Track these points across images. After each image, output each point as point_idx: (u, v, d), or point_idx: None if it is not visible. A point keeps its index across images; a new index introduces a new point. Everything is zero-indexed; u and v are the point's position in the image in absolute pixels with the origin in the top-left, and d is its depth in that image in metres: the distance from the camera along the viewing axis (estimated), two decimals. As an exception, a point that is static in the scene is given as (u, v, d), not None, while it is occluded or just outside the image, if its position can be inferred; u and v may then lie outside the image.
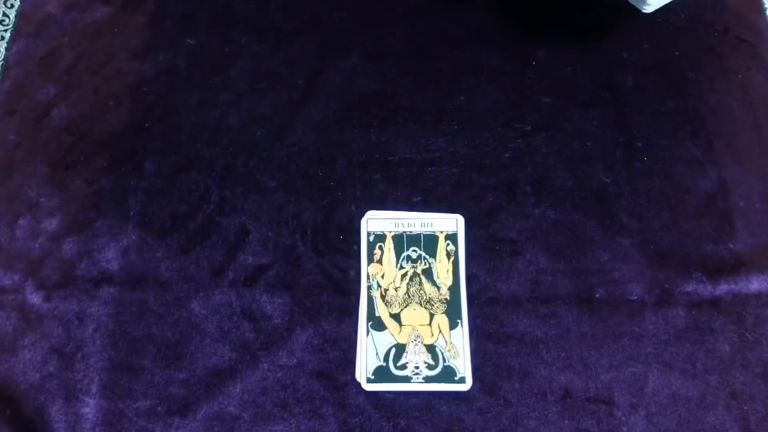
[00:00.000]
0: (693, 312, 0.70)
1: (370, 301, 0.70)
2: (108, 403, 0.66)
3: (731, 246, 0.73)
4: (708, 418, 0.66)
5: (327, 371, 0.67)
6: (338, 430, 0.65)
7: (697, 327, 0.69)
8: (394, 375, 0.67)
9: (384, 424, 0.65)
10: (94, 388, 0.66)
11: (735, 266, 0.72)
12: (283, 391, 0.66)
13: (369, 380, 0.66)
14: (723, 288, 0.71)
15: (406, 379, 0.67)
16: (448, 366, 0.67)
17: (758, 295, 0.71)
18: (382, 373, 0.67)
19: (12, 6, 0.87)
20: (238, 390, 0.66)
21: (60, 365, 0.67)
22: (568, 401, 0.66)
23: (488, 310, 0.70)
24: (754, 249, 0.73)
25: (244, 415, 0.65)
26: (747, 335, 0.69)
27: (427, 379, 0.67)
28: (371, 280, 0.71)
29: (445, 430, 0.65)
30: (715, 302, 0.70)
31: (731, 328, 0.69)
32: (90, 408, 0.65)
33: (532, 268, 0.72)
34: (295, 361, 0.68)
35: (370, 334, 0.68)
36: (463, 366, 0.67)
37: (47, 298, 0.70)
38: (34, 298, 0.70)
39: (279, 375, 0.67)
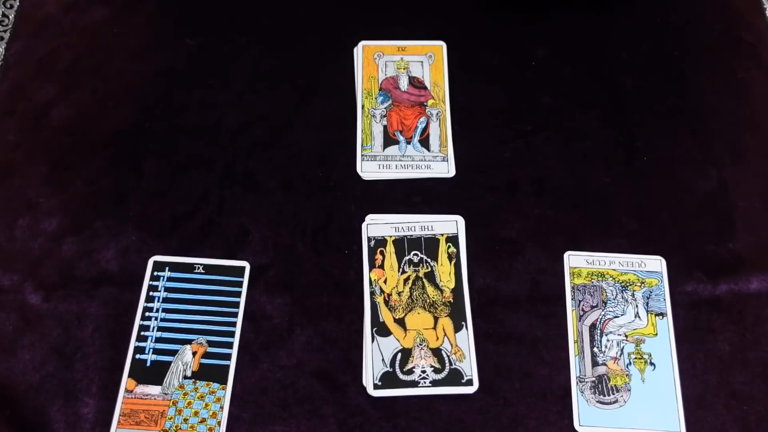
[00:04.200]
0: (693, 312, 0.70)
1: (374, 306, 0.70)
2: (108, 403, 0.66)
3: (731, 246, 0.73)
4: (708, 418, 0.66)
5: (327, 371, 0.67)
6: (338, 430, 0.65)
7: (697, 327, 0.69)
8: (401, 380, 0.66)
9: (384, 424, 0.65)
10: (94, 388, 0.66)
11: (735, 266, 0.72)
12: (283, 391, 0.66)
13: (376, 386, 0.66)
14: (723, 288, 0.71)
15: (413, 384, 0.66)
16: (455, 369, 0.67)
17: (758, 295, 0.71)
18: (389, 379, 0.66)
19: (11, 6, 0.86)
20: (238, 390, 0.66)
21: (60, 365, 0.67)
22: (567, 401, 0.66)
23: (488, 310, 0.70)
24: (754, 249, 0.73)
25: (244, 415, 0.65)
26: (747, 335, 0.69)
27: (434, 383, 0.66)
28: (374, 286, 0.71)
29: (445, 430, 0.65)
30: (715, 302, 0.70)
31: (731, 328, 0.69)
32: (90, 408, 0.65)
33: (532, 268, 0.72)
34: (295, 361, 0.68)
35: (375, 340, 0.68)
36: (470, 368, 0.67)
37: (47, 299, 0.70)
38: (34, 299, 0.70)
39: (279, 375, 0.67)
